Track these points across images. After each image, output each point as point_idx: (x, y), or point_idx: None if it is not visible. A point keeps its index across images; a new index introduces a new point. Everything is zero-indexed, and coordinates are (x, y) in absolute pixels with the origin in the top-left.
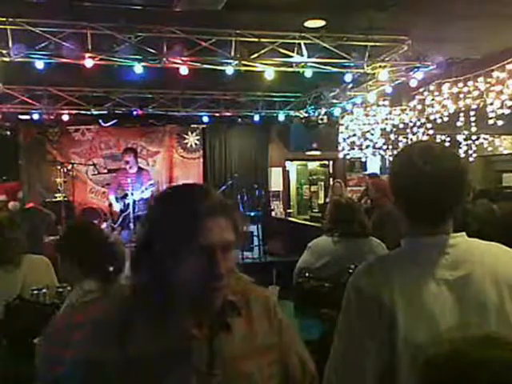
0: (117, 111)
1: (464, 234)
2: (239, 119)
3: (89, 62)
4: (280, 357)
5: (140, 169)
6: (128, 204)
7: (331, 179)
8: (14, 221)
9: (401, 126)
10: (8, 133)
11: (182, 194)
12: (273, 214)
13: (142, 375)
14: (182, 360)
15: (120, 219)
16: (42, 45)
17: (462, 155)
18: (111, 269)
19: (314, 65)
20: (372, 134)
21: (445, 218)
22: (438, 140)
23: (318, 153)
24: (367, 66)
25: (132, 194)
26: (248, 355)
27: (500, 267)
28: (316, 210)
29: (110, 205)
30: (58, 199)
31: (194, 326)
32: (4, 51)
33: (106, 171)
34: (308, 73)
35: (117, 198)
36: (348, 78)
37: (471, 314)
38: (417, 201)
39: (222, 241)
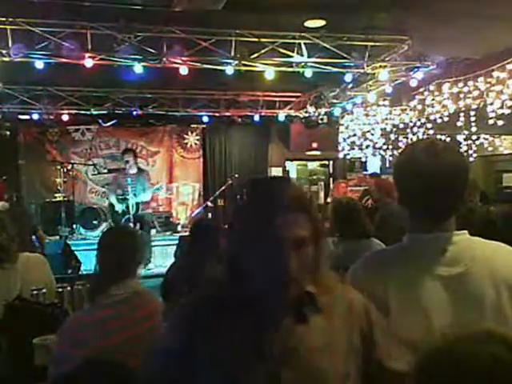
0: (117, 111)
1: (466, 232)
2: (239, 119)
3: (89, 62)
4: (361, 358)
5: (140, 170)
6: (129, 206)
7: (331, 179)
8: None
9: (401, 125)
10: (8, 133)
11: (263, 187)
12: None
13: (220, 362)
14: (257, 347)
15: (123, 220)
16: (42, 45)
17: None
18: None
19: (314, 65)
20: (372, 134)
21: (447, 214)
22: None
23: (318, 153)
24: (367, 65)
25: (135, 196)
26: (324, 350)
27: (500, 266)
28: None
29: (111, 205)
30: (58, 199)
31: (272, 314)
32: (4, 51)
33: (105, 171)
34: (308, 73)
35: (118, 199)
36: (348, 77)
37: (467, 311)
38: (420, 196)
39: (294, 236)
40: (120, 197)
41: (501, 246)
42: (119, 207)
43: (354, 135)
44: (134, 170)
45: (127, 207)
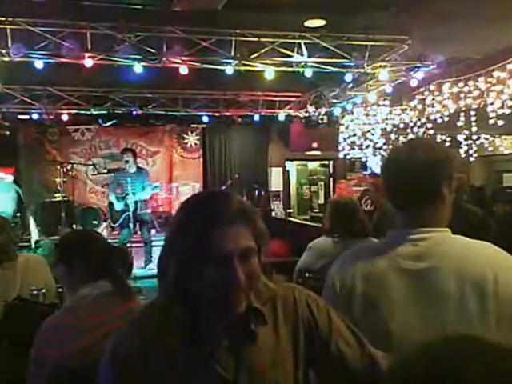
0: (116, 111)
1: (447, 230)
2: (239, 119)
3: (88, 62)
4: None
5: (139, 168)
6: (128, 204)
7: (331, 179)
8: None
9: (401, 125)
10: (7, 133)
11: (201, 202)
12: (273, 214)
13: (170, 381)
14: (208, 368)
15: (120, 219)
16: (42, 44)
17: (463, 155)
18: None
19: (314, 64)
20: (372, 134)
21: (417, 208)
22: (439, 140)
23: (318, 153)
24: (367, 65)
25: (134, 194)
26: (274, 363)
27: (469, 264)
28: (316, 210)
29: (110, 204)
30: (58, 199)
31: (219, 334)
32: (3, 51)
33: (105, 171)
34: (308, 72)
35: (118, 198)
36: (348, 77)
37: (429, 307)
38: (392, 189)
39: (239, 247)
40: (120, 195)
41: (481, 245)
42: (119, 206)
43: (354, 135)
44: (133, 169)
45: (126, 205)
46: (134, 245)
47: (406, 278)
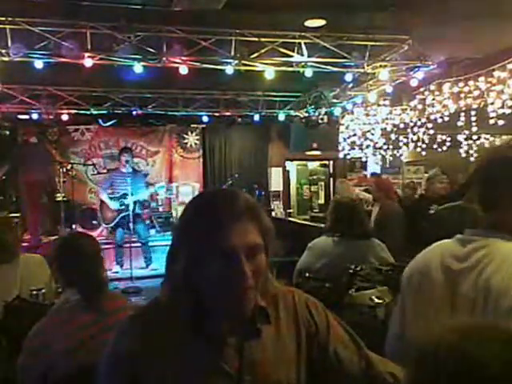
0: (116, 111)
1: (506, 236)
2: (239, 119)
3: (88, 62)
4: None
5: (134, 170)
6: (127, 204)
7: (331, 179)
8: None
9: (401, 125)
10: (7, 132)
11: (208, 200)
12: (273, 214)
13: (172, 378)
14: (212, 364)
15: (117, 219)
16: (42, 44)
17: (463, 155)
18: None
19: (314, 64)
20: (372, 134)
21: (484, 210)
22: (439, 140)
23: (318, 153)
24: (367, 65)
25: (132, 195)
26: (277, 361)
27: (498, 275)
28: (316, 210)
29: (102, 203)
30: (58, 199)
31: (225, 331)
32: (3, 51)
33: (105, 171)
34: (308, 72)
35: (111, 198)
36: (348, 77)
37: (460, 307)
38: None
39: (245, 244)
40: (115, 195)
41: None
42: (114, 205)
43: (354, 135)
44: (129, 169)
45: (123, 205)
46: (133, 245)
47: (444, 275)
